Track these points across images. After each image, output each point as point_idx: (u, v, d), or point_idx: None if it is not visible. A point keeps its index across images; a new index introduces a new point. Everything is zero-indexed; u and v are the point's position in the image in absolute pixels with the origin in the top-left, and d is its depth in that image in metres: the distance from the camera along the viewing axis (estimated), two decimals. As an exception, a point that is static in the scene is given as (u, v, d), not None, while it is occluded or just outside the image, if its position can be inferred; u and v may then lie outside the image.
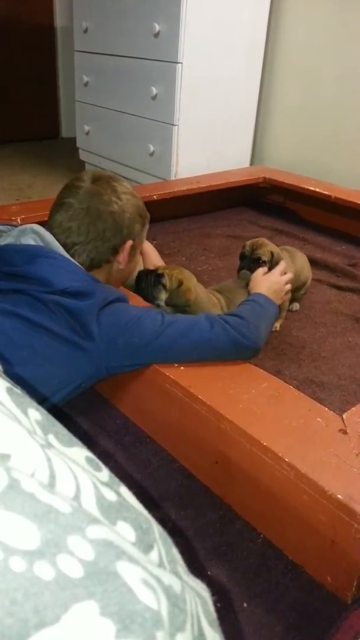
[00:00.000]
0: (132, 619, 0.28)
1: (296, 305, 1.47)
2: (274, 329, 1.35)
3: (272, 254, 1.27)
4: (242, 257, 1.30)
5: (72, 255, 0.96)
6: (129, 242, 1.02)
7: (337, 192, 2.02)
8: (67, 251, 0.96)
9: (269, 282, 1.18)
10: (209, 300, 1.20)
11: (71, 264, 0.93)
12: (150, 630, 0.28)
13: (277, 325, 1.36)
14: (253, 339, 0.97)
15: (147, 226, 1.08)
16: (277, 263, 1.25)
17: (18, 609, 0.26)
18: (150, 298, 1.16)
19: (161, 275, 1.15)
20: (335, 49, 2.26)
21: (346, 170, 2.35)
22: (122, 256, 1.03)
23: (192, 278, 1.19)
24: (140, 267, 1.23)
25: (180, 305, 1.14)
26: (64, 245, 0.95)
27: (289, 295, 1.34)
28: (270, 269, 1.23)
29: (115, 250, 1.01)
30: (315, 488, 0.72)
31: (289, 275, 1.24)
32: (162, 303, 1.16)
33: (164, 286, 1.15)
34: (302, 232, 2.06)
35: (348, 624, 0.72)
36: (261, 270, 1.21)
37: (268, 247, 1.28)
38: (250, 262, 1.27)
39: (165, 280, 1.14)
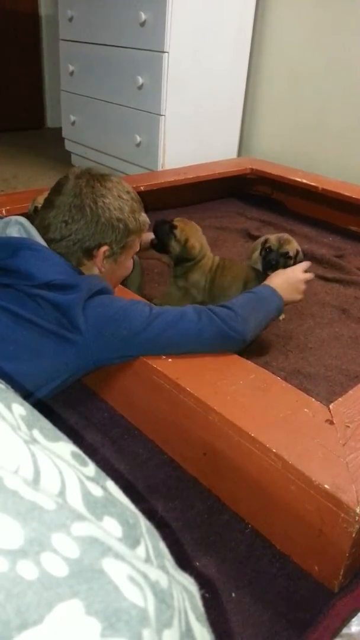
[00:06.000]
0: (117, 616, 0.27)
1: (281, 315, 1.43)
2: (281, 318, 1.36)
3: (297, 251, 1.28)
4: (268, 250, 1.29)
5: None
6: (103, 248, 0.99)
7: (323, 184, 2.02)
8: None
9: (286, 275, 1.15)
10: (205, 253, 1.31)
11: (54, 256, 0.92)
12: (137, 627, 0.28)
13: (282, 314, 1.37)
14: (240, 331, 0.97)
15: (135, 234, 1.04)
16: (300, 260, 1.26)
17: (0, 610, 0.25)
18: (162, 247, 1.27)
19: (174, 227, 1.26)
20: (322, 41, 2.25)
21: (331, 162, 2.35)
22: (97, 261, 1.01)
23: (198, 232, 1.30)
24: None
25: (185, 258, 1.27)
26: (45, 242, 0.95)
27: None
28: (294, 264, 1.23)
29: (89, 254, 0.99)
30: (303, 478, 0.73)
31: (309, 275, 1.20)
32: (174, 252, 1.27)
33: (175, 236, 1.25)
34: (289, 224, 2.06)
35: (335, 611, 0.73)
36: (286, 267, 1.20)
37: (293, 243, 1.29)
38: (278, 256, 1.27)
39: (178, 232, 1.25)
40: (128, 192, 1.02)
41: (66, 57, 2.63)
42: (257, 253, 1.33)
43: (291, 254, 1.27)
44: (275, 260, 1.26)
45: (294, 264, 1.25)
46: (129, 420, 1.04)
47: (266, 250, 1.28)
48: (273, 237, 1.31)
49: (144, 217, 1.06)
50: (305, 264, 1.21)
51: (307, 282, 1.20)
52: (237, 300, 1.04)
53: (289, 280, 1.14)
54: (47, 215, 0.97)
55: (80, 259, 0.99)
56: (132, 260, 1.11)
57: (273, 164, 2.31)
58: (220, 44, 2.27)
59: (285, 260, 1.26)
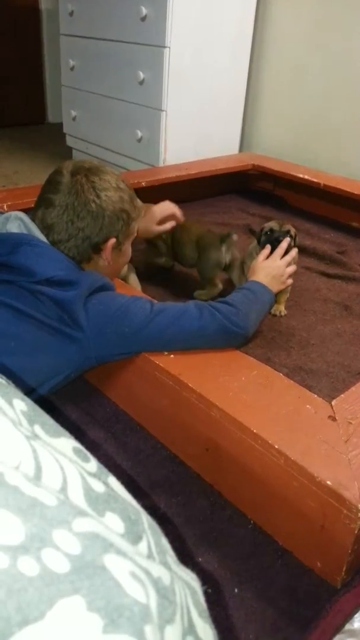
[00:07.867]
0: (119, 613, 0.27)
1: (282, 311, 1.41)
2: (279, 314, 1.36)
3: (295, 233, 1.29)
4: (270, 232, 1.29)
5: None
6: (111, 241, 0.99)
7: (325, 179, 2.02)
8: None
9: (268, 268, 1.17)
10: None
11: (55, 252, 0.92)
12: (139, 624, 0.27)
13: (282, 308, 1.37)
14: (242, 326, 0.97)
15: (135, 220, 1.05)
16: (297, 244, 1.27)
17: (0, 607, 0.25)
18: None
19: None
20: (323, 36, 2.23)
21: (333, 157, 2.34)
22: (106, 254, 1.01)
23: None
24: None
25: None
26: (51, 243, 0.94)
27: (290, 280, 1.29)
28: (295, 246, 1.26)
29: (97, 248, 0.99)
30: (305, 474, 0.72)
31: (288, 258, 1.22)
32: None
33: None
34: (291, 220, 2.05)
35: (337, 607, 0.72)
36: (262, 257, 1.21)
37: (289, 225, 1.31)
38: (282, 234, 1.26)
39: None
40: (123, 181, 1.02)
41: (67, 52, 2.61)
42: (253, 244, 1.33)
43: (292, 233, 1.27)
44: (279, 238, 1.24)
45: (295, 245, 1.26)
46: (132, 416, 1.04)
47: (267, 233, 1.28)
48: (270, 223, 1.31)
49: (139, 202, 1.06)
50: (280, 250, 1.22)
51: (293, 274, 1.22)
52: (235, 296, 1.04)
53: (271, 273, 1.16)
54: (48, 215, 0.95)
55: (90, 255, 0.99)
56: (129, 247, 1.12)
57: (275, 160, 2.31)
58: (222, 38, 2.26)
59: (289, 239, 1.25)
